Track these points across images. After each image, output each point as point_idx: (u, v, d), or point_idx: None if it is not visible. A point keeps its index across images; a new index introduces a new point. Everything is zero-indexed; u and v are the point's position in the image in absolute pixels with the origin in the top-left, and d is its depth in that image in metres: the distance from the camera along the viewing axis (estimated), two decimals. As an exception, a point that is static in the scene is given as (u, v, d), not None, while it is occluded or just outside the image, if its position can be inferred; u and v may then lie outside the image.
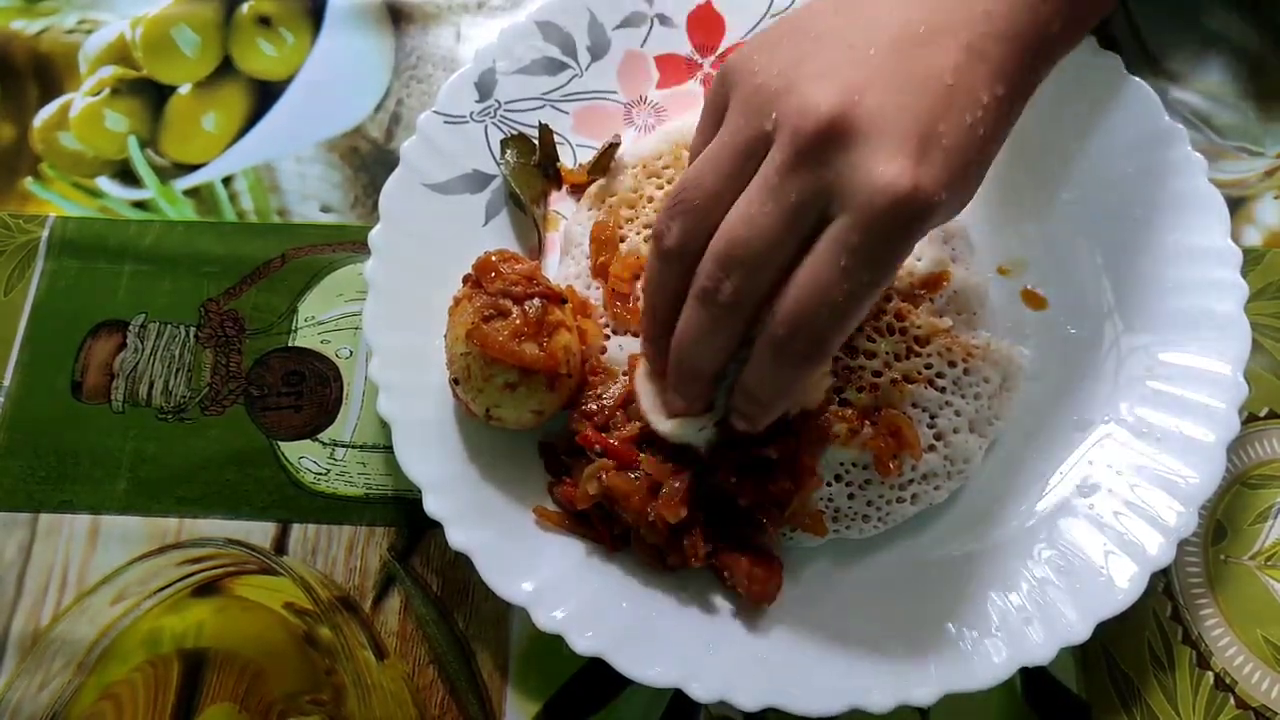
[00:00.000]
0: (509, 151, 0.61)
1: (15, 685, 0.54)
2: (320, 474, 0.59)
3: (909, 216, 0.40)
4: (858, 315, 0.43)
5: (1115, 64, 0.60)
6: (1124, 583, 0.50)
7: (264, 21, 0.73)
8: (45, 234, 0.66)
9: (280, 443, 0.60)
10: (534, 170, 0.61)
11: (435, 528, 0.52)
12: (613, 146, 0.60)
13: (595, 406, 0.53)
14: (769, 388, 0.46)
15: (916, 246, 0.56)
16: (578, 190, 0.62)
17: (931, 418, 0.54)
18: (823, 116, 0.40)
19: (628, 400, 0.53)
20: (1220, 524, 0.57)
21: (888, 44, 0.42)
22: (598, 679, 0.53)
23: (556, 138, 0.62)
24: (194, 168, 0.68)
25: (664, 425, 0.51)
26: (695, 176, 0.44)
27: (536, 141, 0.61)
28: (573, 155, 0.63)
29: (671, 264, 0.46)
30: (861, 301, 0.42)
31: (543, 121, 0.61)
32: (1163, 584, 0.56)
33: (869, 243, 0.40)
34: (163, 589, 0.56)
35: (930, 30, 0.43)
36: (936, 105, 0.41)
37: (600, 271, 0.57)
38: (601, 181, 0.61)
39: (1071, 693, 0.54)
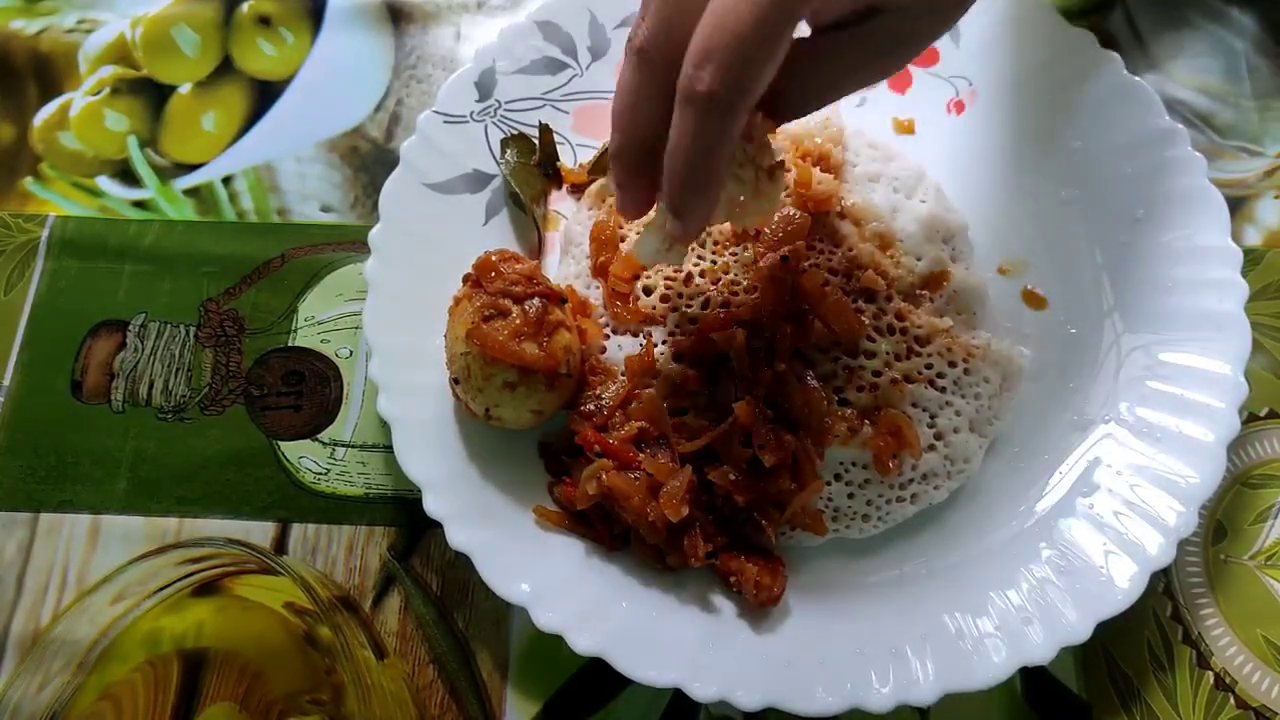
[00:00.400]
0: (509, 151, 0.61)
1: (15, 685, 0.54)
2: (320, 474, 0.59)
3: None
4: (768, 48, 0.39)
5: (1115, 64, 0.60)
6: (1124, 582, 0.50)
7: (264, 21, 0.73)
8: (45, 234, 0.66)
9: (280, 442, 0.60)
10: (534, 170, 0.61)
11: (435, 527, 0.52)
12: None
13: (594, 407, 0.53)
14: (684, 149, 0.41)
15: (917, 246, 0.57)
16: (578, 190, 0.62)
17: (932, 417, 0.54)
18: None
19: (627, 400, 0.53)
20: (1220, 524, 0.57)
21: None
22: (597, 679, 0.53)
23: (556, 137, 0.62)
24: (194, 167, 0.68)
25: (631, 247, 0.48)
26: None
27: (537, 141, 0.61)
28: (573, 155, 0.63)
29: (642, 64, 0.42)
30: (770, 31, 0.38)
31: (543, 121, 0.61)
32: (1163, 584, 0.56)
33: None
34: (163, 589, 0.56)
35: None
36: None
37: (600, 271, 0.57)
38: (601, 181, 0.61)
39: (1071, 693, 0.54)
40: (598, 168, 0.61)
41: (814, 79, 0.45)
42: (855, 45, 0.44)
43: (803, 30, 0.45)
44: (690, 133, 0.41)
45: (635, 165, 0.45)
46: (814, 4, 0.41)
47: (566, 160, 0.62)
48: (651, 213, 0.47)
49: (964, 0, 0.44)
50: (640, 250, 0.48)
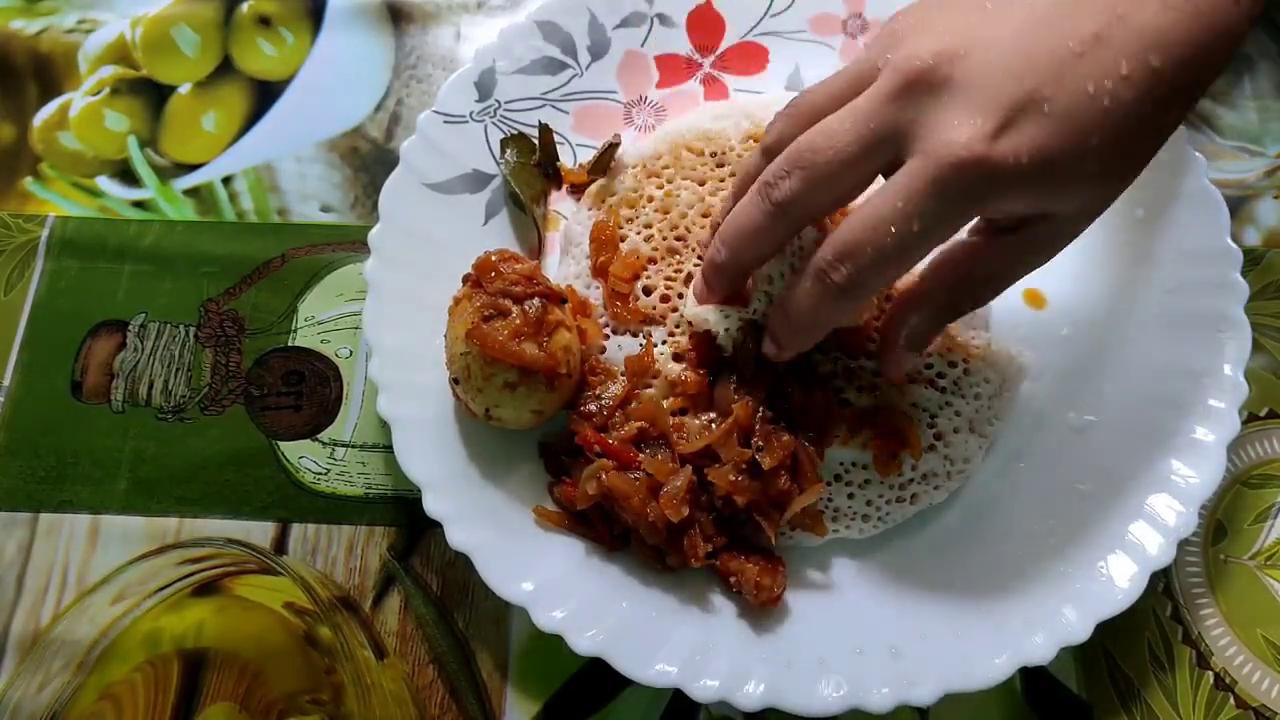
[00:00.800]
0: (509, 151, 0.61)
1: (15, 685, 0.54)
2: (320, 474, 0.59)
3: (972, 179, 0.40)
4: (902, 261, 0.43)
5: (1115, 64, 0.60)
6: (1124, 583, 0.50)
7: (264, 21, 0.73)
8: (45, 234, 0.66)
9: (280, 442, 0.60)
10: (534, 170, 0.61)
11: (435, 527, 0.52)
12: (613, 146, 0.60)
13: (594, 407, 0.53)
14: (803, 311, 0.46)
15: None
16: (578, 190, 0.62)
17: (931, 418, 0.54)
18: (925, 59, 0.41)
19: (627, 400, 0.53)
20: (1220, 524, 0.57)
21: (1033, 11, 0.41)
22: (597, 679, 0.53)
23: (556, 137, 0.62)
24: (194, 167, 0.68)
25: (690, 309, 0.53)
26: (809, 94, 0.46)
27: (536, 141, 0.61)
28: (573, 155, 0.63)
29: (763, 161, 0.47)
30: (908, 249, 0.42)
31: (543, 121, 0.61)
32: (1163, 584, 0.56)
33: (927, 192, 0.40)
34: (163, 589, 0.56)
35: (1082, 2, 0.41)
36: (1049, 70, 0.40)
37: (600, 271, 0.57)
38: (602, 181, 0.60)
39: (1071, 693, 0.54)
40: (597, 168, 0.61)
41: (985, 278, 0.47)
42: (1021, 246, 0.46)
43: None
44: (814, 306, 0.45)
45: (734, 281, 0.51)
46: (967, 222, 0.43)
47: (566, 160, 0.62)
48: (738, 304, 0.52)
49: (1114, 196, 0.45)
50: (700, 316, 0.53)
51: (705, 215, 0.58)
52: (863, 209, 0.42)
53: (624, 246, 0.57)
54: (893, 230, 0.41)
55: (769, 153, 0.47)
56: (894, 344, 0.49)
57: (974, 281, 0.47)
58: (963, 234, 0.46)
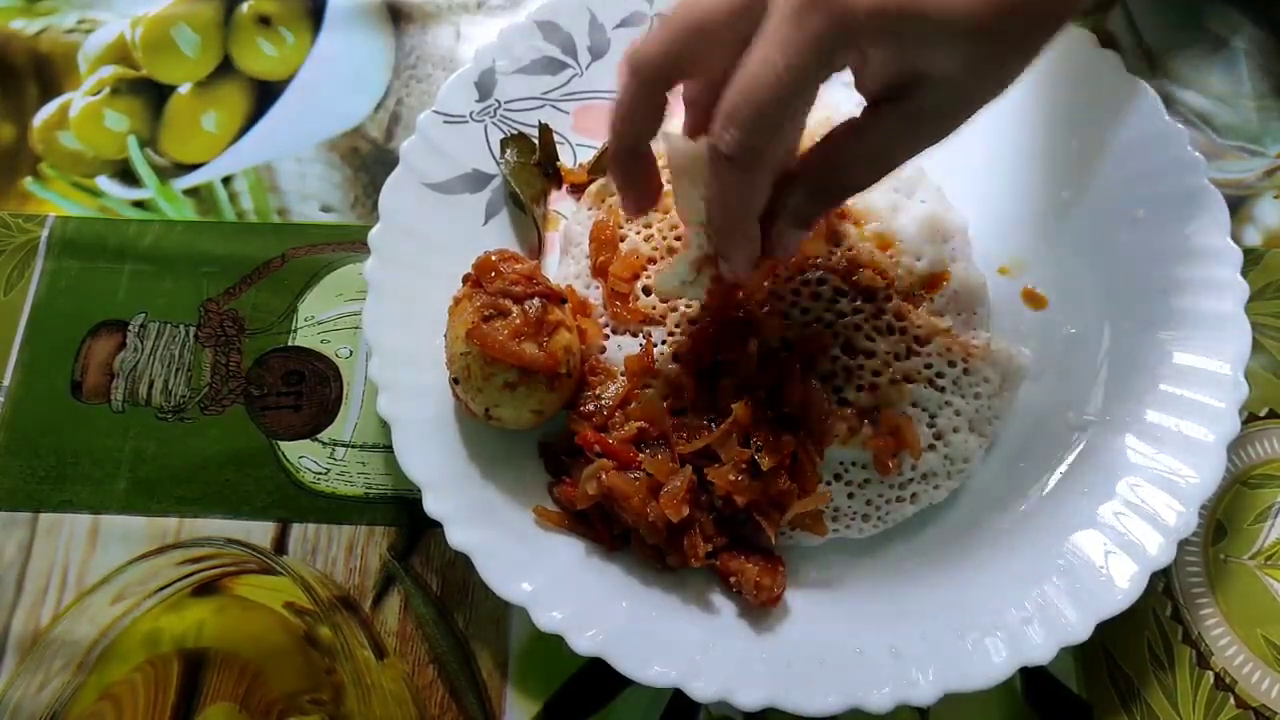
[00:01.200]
0: (509, 151, 0.61)
1: (15, 685, 0.54)
2: (320, 474, 0.59)
3: (828, 8, 0.39)
4: (778, 110, 0.42)
5: (1115, 63, 0.60)
6: (1124, 582, 0.50)
7: (264, 21, 0.73)
8: (45, 234, 0.66)
9: (280, 442, 0.60)
10: (534, 169, 0.61)
11: (435, 527, 0.52)
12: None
13: (594, 407, 0.53)
14: (714, 204, 0.46)
15: (917, 245, 0.57)
16: (578, 190, 0.62)
17: (931, 417, 0.54)
18: None
19: (627, 400, 0.53)
20: (1220, 523, 0.57)
21: None
22: (597, 679, 0.53)
23: (556, 137, 0.62)
24: (194, 167, 0.68)
25: (665, 280, 0.52)
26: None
27: (536, 141, 0.61)
28: (573, 154, 0.63)
29: (634, 78, 0.46)
30: (781, 96, 0.41)
31: (543, 121, 0.61)
32: (1163, 584, 0.56)
33: (788, 29, 0.40)
34: (163, 589, 0.56)
35: None
36: None
37: (600, 271, 0.57)
38: (601, 181, 0.61)
39: (1071, 693, 0.54)
40: (597, 168, 0.61)
41: (864, 153, 0.46)
42: (902, 119, 0.45)
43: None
44: (720, 187, 0.45)
45: (628, 166, 0.49)
46: (834, 73, 0.43)
47: (566, 160, 0.62)
48: (683, 249, 0.51)
49: (1009, 66, 0.44)
50: (661, 280, 0.52)
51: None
52: (739, 73, 0.42)
53: (624, 246, 0.57)
54: (761, 78, 0.41)
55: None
56: (776, 218, 0.48)
57: (853, 157, 0.46)
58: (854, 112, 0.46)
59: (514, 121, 0.62)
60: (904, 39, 0.41)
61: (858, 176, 0.47)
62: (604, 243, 0.58)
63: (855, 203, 0.57)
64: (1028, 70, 0.44)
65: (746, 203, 0.46)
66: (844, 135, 0.46)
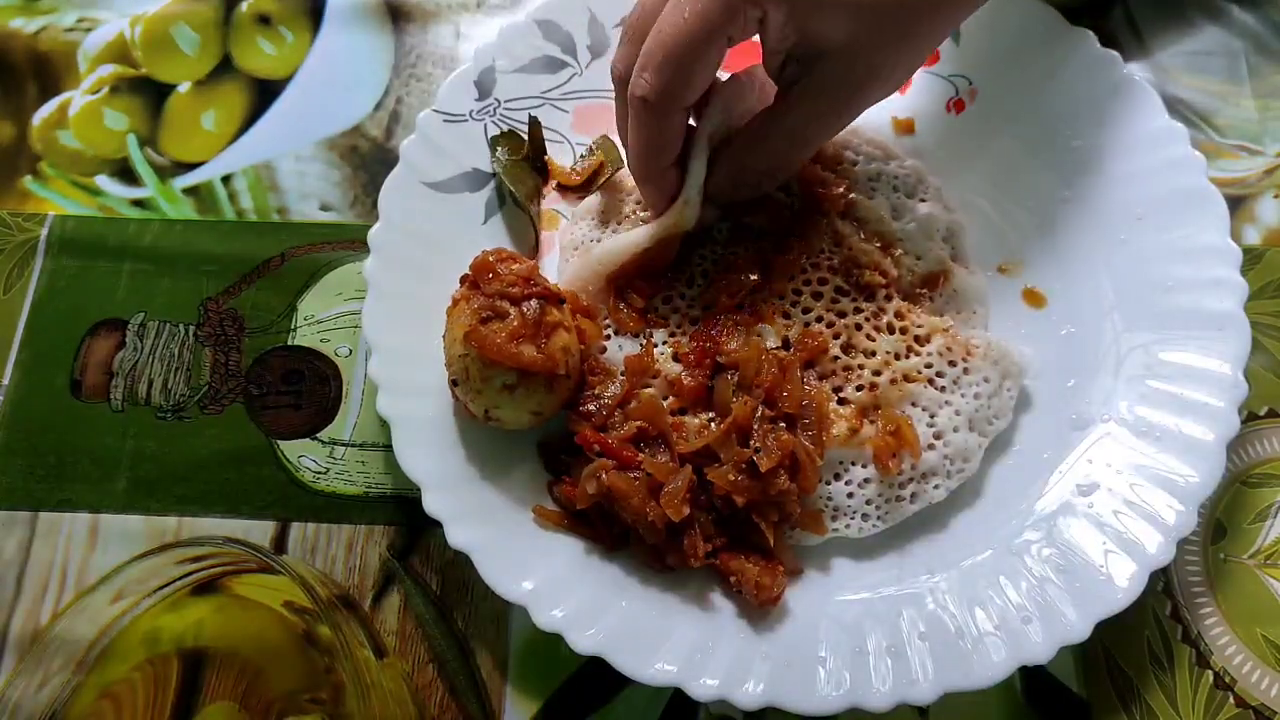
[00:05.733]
0: (499, 149, 0.61)
1: (14, 684, 0.54)
2: (319, 473, 0.59)
3: None
4: (686, 55, 0.46)
5: (1115, 63, 0.60)
6: (1123, 582, 0.50)
7: (263, 20, 0.73)
8: (44, 232, 0.65)
9: (279, 441, 0.60)
10: (524, 165, 0.61)
11: (435, 527, 0.52)
12: (608, 165, 0.60)
13: (594, 407, 0.53)
14: (637, 148, 0.51)
15: (917, 245, 0.57)
16: (569, 190, 0.61)
17: (931, 417, 0.54)
18: None
19: (626, 400, 0.53)
20: (1220, 523, 0.57)
21: None
22: (597, 678, 0.53)
23: (557, 136, 0.62)
24: (193, 166, 0.68)
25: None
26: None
27: (526, 136, 0.61)
28: (572, 154, 0.63)
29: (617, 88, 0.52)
30: (690, 42, 0.45)
31: (532, 115, 0.61)
32: (1162, 583, 0.56)
33: None
34: (162, 588, 0.56)
35: None
36: None
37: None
38: (603, 198, 0.60)
39: (1071, 692, 0.54)
40: (594, 185, 0.61)
41: (780, 136, 0.49)
42: (807, 98, 0.48)
43: None
44: (634, 130, 0.49)
45: (658, 181, 0.53)
46: (743, 35, 0.47)
47: (566, 159, 0.62)
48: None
49: (910, 37, 0.46)
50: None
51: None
52: (655, 25, 0.47)
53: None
54: (672, 26, 0.45)
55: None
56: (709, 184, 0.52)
57: (771, 137, 0.50)
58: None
59: (514, 121, 0.62)
60: (795, 2, 0.44)
61: (778, 160, 0.51)
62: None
63: (856, 199, 0.57)
64: (934, 44, 0.46)
65: (658, 143, 0.50)
66: (762, 122, 0.50)
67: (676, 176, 0.52)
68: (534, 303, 0.51)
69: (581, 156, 0.62)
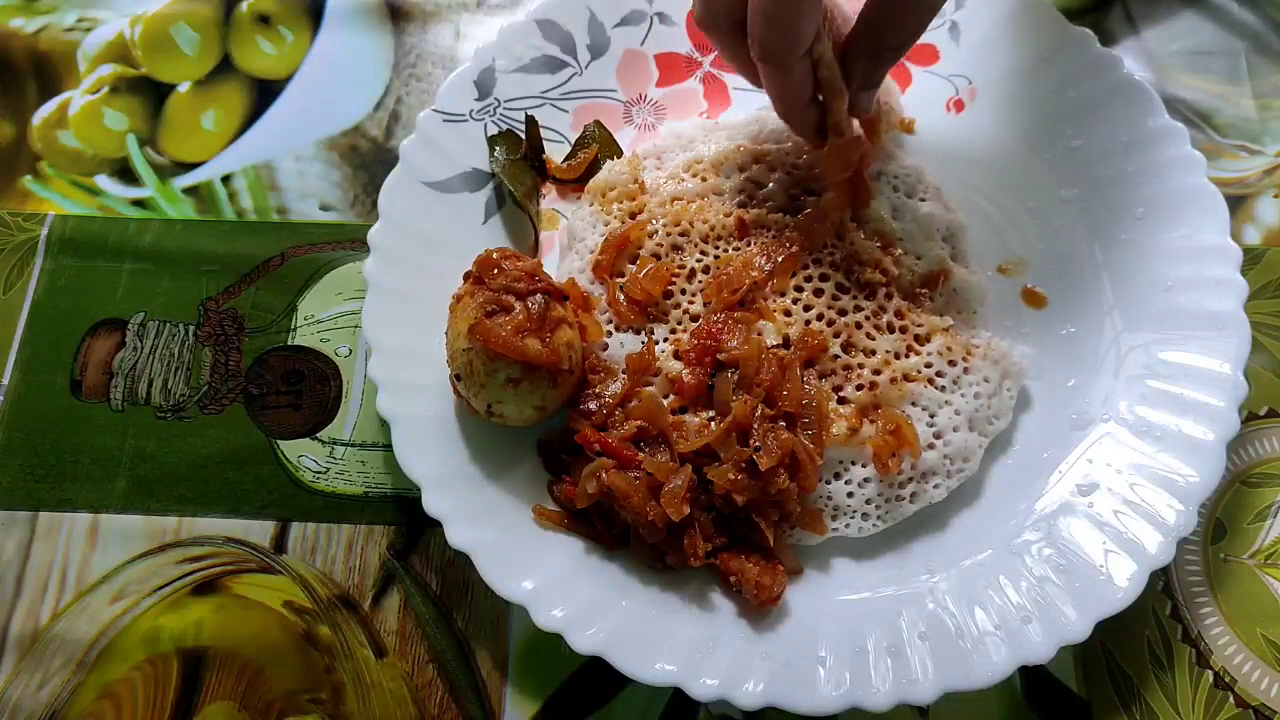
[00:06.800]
0: (498, 149, 0.61)
1: (14, 683, 0.54)
2: (319, 472, 0.59)
3: None
4: (786, 5, 0.47)
5: (1115, 63, 0.60)
6: (1123, 581, 0.50)
7: (263, 20, 0.73)
8: (44, 232, 0.65)
9: (279, 441, 0.60)
10: (522, 164, 0.61)
11: (435, 526, 0.52)
12: (603, 155, 0.61)
13: (595, 405, 0.53)
14: (775, 96, 0.53)
15: (917, 245, 0.57)
16: (563, 184, 0.62)
17: (931, 416, 0.54)
18: None
19: (627, 399, 0.53)
20: (1220, 522, 0.57)
21: None
22: (597, 677, 0.53)
23: (556, 136, 0.62)
24: (193, 166, 0.68)
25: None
26: None
27: (523, 135, 0.61)
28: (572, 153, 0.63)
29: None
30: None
31: (529, 113, 0.61)
32: (1162, 582, 0.56)
33: None
34: (162, 588, 0.56)
35: None
36: None
37: (607, 270, 0.57)
38: (602, 178, 0.60)
39: (1071, 692, 0.54)
40: (587, 173, 0.61)
41: (905, 8, 0.51)
42: None
43: None
44: (769, 84, 0.52)
45: (804, 118, 0.54)
46: None
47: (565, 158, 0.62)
48: None
49: None
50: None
51: (707, 212, 0.58)
52: None
53: (643, 252, 0.57)
54: None
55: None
56: (851, 88, 0.53)
57: (895, 12, 0.51)
58: None
59: (514, 121, 0.62)
60: None
61: (904, 27, 0.52)
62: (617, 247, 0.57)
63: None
64: None
65: (790, 89, 0.52)
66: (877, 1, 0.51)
67: (816, 112, 0.54)
68: (539, 297, 0.51)
69: (575, 149, 0.62)
